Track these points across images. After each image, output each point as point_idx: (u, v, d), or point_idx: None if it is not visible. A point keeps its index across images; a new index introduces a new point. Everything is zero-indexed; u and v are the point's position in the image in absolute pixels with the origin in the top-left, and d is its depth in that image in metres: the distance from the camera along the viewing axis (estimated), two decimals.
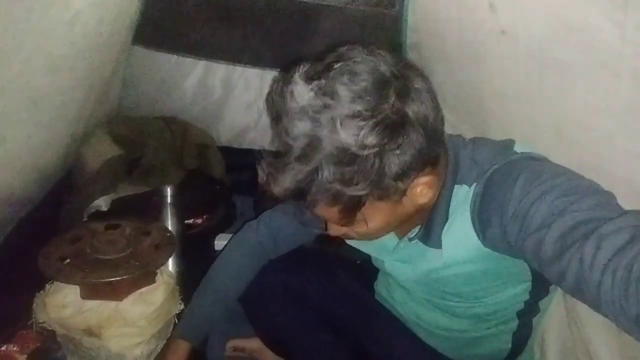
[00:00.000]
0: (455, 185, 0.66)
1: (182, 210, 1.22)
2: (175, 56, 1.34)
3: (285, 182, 0.57)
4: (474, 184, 0.64)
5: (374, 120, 0.54)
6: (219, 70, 1.37)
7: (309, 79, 0.57)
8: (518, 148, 0.65)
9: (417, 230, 0.71)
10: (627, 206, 0.53)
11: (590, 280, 0.48)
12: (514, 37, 0.69)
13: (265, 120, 1.49)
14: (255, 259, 0.94)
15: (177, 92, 1.40)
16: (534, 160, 0.63)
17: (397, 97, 0.56)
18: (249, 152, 1.56)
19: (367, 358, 0.86)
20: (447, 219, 0.66)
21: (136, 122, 1.30)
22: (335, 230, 0.67)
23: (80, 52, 0.91)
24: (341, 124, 0.53)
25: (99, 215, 1.16)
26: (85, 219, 1.15)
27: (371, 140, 0.53)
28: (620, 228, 0.48)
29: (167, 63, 1.35)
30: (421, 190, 0.62)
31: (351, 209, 0.60)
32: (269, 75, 1.38)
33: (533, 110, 0.73)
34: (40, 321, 0.84)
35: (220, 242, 1.24)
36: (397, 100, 0.56)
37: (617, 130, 0.57)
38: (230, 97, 1.43)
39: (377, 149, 0.54)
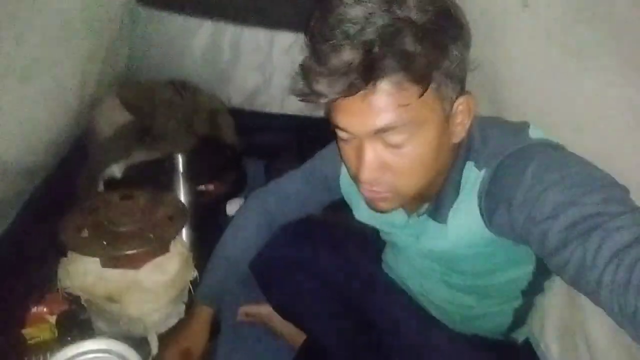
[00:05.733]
0: (467, 163, 0.65)
1: (194, 176, 1.24)
2: (182, 17, 1.29)
3: (365, 41, 0.53)
4: (484, 169, 0.62)
5: (438, 5, 0.56)
6: (227, 32, 1.33)
7: None
8: (533, 133, 0.62)
9: (427, 206, 0.71)
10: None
11: (590, 275, 0.48)
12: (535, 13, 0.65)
13: (276, 82, 1.46)
14: (263, 228, 0.96)
15: (185, 55, 1.38)
16: (547, 147, 0.60)
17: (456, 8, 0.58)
18: (260, 114, 1.54)
19: (373, 327, 0.89)
20: (457, 195, 0.65)
21: (146, 88, 1.29)
22: (376, 154, 0.60)
23: (80, 12, 0.87)
24: (406, 3, 0.54)
25: (113, 182, 1.18)
26: (100, 186, 1.18)
27: (435, 17, 0.55)
28: (626, 226, 0.47)
29: (174, 24, 1.31)
30: (461, 119, 0.62)
31: (419, 79, 0.55)
32: (278, 36, 1.34)
33: (549, 93, 0.70)
34: (65, 287, 0.89)
35: (231, 207, 1.27)
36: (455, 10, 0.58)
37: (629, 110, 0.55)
38: (240, 59, 1.40)
39: (442, 27, 0.55)
